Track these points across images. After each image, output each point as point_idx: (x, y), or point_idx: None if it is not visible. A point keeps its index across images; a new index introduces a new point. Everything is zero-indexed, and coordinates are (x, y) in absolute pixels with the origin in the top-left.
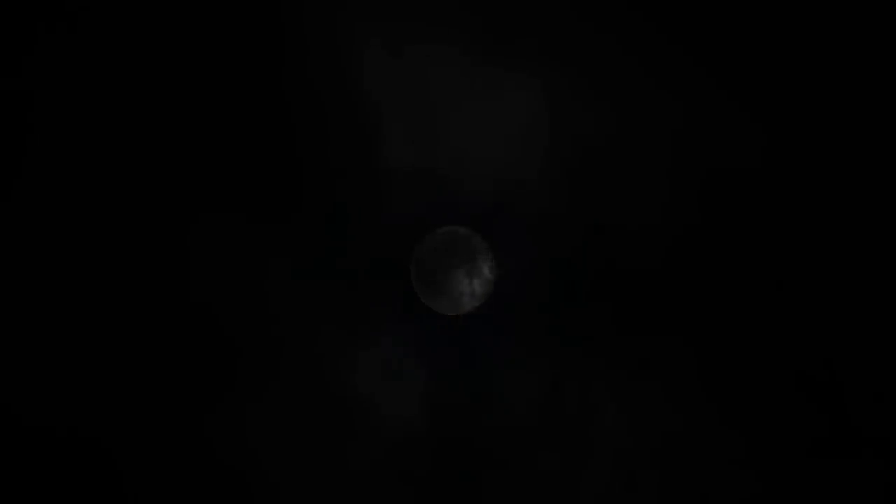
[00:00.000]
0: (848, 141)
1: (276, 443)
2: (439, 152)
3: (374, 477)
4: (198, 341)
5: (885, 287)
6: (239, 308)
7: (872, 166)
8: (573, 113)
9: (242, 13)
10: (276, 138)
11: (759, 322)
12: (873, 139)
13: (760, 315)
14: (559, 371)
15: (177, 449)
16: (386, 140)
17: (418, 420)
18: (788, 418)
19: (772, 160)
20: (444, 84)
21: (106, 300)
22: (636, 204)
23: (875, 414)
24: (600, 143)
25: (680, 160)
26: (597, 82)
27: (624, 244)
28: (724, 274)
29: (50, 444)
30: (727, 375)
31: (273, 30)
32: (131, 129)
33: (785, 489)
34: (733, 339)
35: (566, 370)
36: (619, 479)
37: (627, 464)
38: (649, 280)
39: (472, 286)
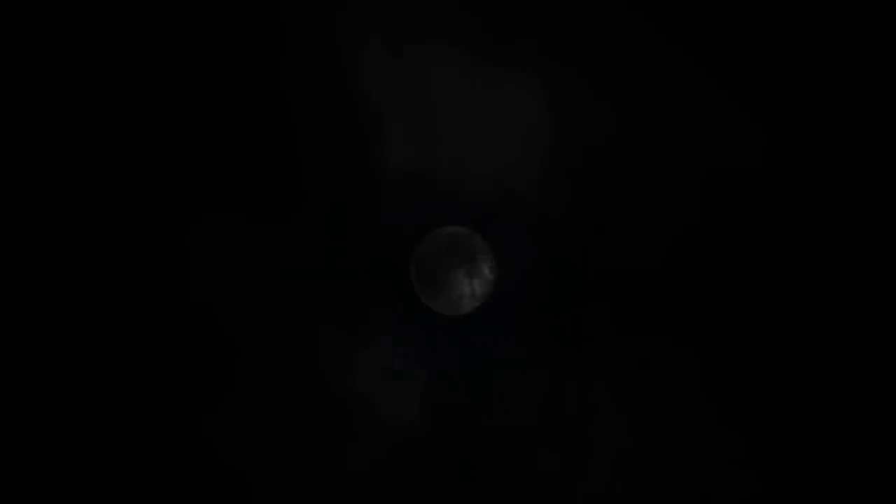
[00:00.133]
0: (848, 141)
1: (276, 443)
2: (439, 152)
3: (374, 477)
4: (198, 341)
5: (885, 287)
6: (239, 308)
7: (872, 166)
8: (573, 113)
9: (242, 13)
10: (276, 138)
11: (759, 322)
12: (873, 139)
13: (760, 315)
14: (559, 371)
15: (177, 449)
16: (386, 140)
17: (418, 420)
18: (788, 418)
19: (772, 160)
20: (444, 84)
21: (106, 300)
22: (636, 204)
23: (875, 414)
24: (600, 144)
25: (680, 160)
26: (597, 82)
27: (624, 244)
28: (723, 274)
29: (50, 444)
30: (727, 375)
31: (273, 30)
32: (131, 128)
33: (785, 489)
34: (733, 339)
35: (566, 370)
36: (619, 479)
37: (627, 464)
38: (649, 280)
39: (472, 286)
